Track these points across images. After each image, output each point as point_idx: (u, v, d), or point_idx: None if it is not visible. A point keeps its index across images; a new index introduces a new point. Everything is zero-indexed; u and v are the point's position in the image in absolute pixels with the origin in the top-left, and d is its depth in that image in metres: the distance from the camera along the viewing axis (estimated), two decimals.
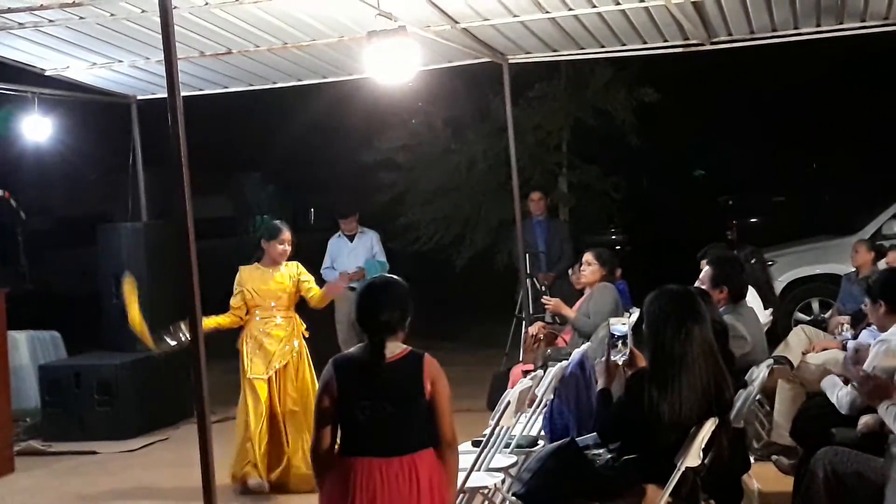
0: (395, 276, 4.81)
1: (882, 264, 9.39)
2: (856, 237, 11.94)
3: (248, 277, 8.28)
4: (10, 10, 8.11)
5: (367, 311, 4.57)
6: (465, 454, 6.20)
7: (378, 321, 4.52)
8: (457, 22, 9.12)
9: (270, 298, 8.27)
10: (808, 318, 12.23)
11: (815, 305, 12.64)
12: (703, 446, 4.84)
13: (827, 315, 11.33)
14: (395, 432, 4.44)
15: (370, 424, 4.42)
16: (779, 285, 12.39)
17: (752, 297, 7.86)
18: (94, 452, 9.83)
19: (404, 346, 4.60)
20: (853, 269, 10.39)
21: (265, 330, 8.26)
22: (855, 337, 8.24)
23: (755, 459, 6.27)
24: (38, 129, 10.76)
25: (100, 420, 10.27)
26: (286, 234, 8.33)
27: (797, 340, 8.81)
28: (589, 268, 8.41)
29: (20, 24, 8.50)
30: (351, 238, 11.73)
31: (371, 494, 4.38)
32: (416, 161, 16.84)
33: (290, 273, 8.33)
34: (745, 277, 7.44)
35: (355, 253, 11.63)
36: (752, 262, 9.35)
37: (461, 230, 16.72)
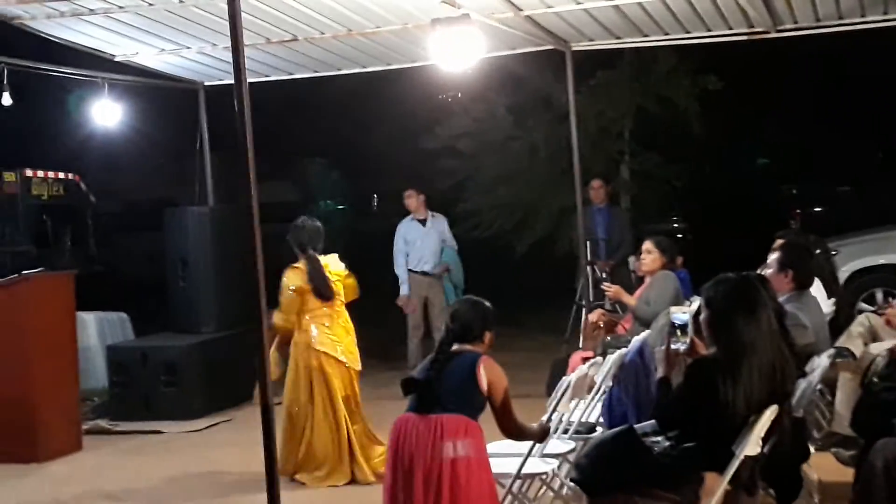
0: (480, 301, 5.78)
1: None
2: None
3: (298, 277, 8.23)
4: None
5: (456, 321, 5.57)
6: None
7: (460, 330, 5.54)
8: (520, 9, 9.14)
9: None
10: (871, 309, 12.08)
11: (879, 296, 12.50)
12: (762, 435, 4.85)
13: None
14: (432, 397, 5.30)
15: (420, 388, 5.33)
16: (842, 275, 12.26)
17: (816, 287, 7.80)
18: (158, 432, 10.02)
19: (471, 347, 5.59)
20: None
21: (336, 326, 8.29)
22: None
23: (815, 449, 6.24)
24: (107, 113, 10.96)
25: (165, 400, 10.46)
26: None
27: (860, 330, 8.73)
28: (649, 256, 8.39)
29: (91, 10, 8.68)
30: (423, 222, 11.81)
31: (402, 440, 5.26)
32: (478, 148, 16.88)
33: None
34: (812, 266, 7.38)
35: (430, 237, 11.75)
36: (817, 251, 9.28)
37: (522, 217, 16.75)
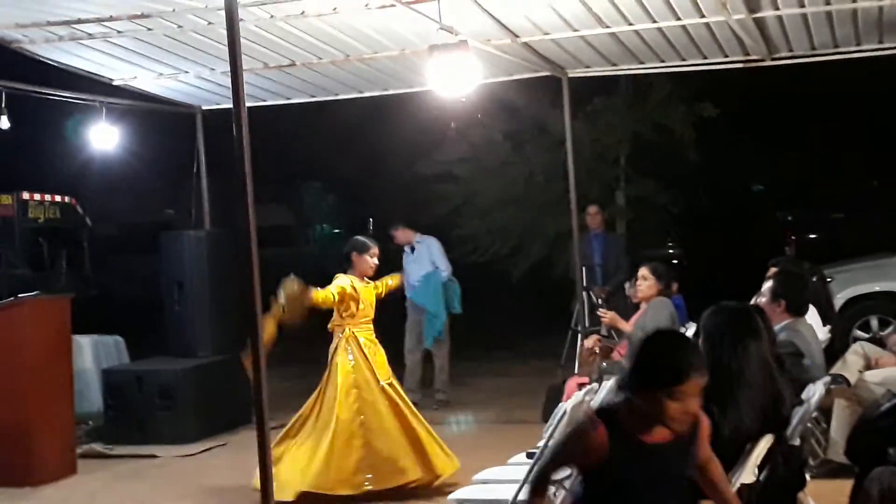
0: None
1: None
2: None
3: (358, 286, 8.28)
4: (80, 21, 8.34)
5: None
6: (519, 465, 6.26)
7: None
8: (517, 36, 9.19)
9: (371, 311, 8.38)
10: (866, 336, 12.11)
11: (874, 323, 12.51)
12: (758, 462, 4.85)
13: (886, 332, 11.22)
14: None
15: None
16: (837, 302, 12.28)
17: (811, 314, 7.81)
18: (153, 456, 9.99)
19: None
20: None
21: (373, 339, 8.34)
22: None
23: (811, 477, 6.24)
24: (105, 137, 10.99)
25: (160, 424, 10.42)
26: (376, 249, 8.42)
27: (855, 358, 8.75)
28: (645, 282, 8.41)
29: (90, 34, 8.72)
30: (412, 249, 11.85)
31: None
32: (475, 173, 16.94)
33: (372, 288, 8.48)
34: (806, 294, 7.39)
35: (418, 262, 11.80)
36: (812, 278, 9.30)
37: (518, 242, 16.81)
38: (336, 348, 8.24)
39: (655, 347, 4.14)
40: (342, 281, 8.22)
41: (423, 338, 11.73)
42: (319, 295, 7.99)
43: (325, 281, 8.31)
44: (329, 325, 8.35)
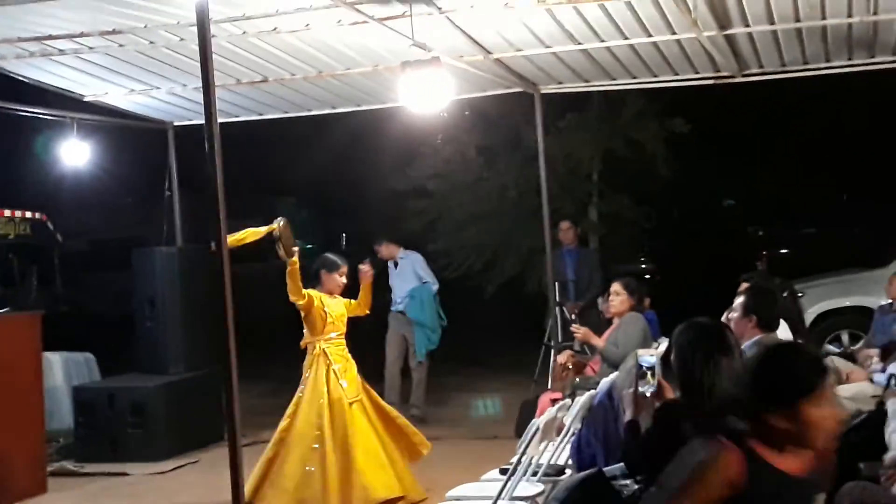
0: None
1: None
2: (887, 270, 11.91)
3: (327, 301, 8.30)
4: (51, 38, 8.29)
5: None
6: (492, 482, 6.26)
7: None
8: (490, 52, 9.22)
9: (342, 325, 8.37)
10: (837, 351, 12.18)
11: (845, 337, 12.59)
12: None
13: (856, 347, 11.29)
14: None
15: None
16: (808, 317, 12.36)
17: (782, 329, 7.84)
18: (125, 474, 9.92)
19: None
20: (886, 302, 10.35)
21: (344, 355, 8.33)
22: (884, 370, 8.23)
23: None
24: (76, 153, 10.93)
25: (132, 442, 10.37)
26: (345, 268, 8.45)
27: None
28: (617, 297, 8.43)
29: (61, 50, 8.68)
30: (396, 264, 11.90)
31: None
32: (448, 189, 16.94)
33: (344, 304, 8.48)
34: (777, 310, 7.43)
35: (402, 276, 11.89)
36: (783, 294, 9.34)
37: (491, 258, 16.80)
38: (308, 364, 8.23)
39: (784, 357, 3.69)
40: (312, 293, 8.26)
41: (404, 352, 11.79)
42: (297, 271, 8.05)
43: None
44: (301, 343, 8.34)
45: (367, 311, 8.61)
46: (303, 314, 8.20)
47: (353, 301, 8.51)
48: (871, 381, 8.25)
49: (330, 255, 8.61)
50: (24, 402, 9.22)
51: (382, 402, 8.52)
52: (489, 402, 11.45)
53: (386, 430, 8.30)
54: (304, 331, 8.29)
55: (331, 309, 8.27)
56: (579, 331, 8.79)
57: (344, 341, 8.38)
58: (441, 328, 11.83)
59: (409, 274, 11.86)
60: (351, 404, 8.12)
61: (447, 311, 11.98)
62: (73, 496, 9.31)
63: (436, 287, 11.90)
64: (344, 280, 8.42)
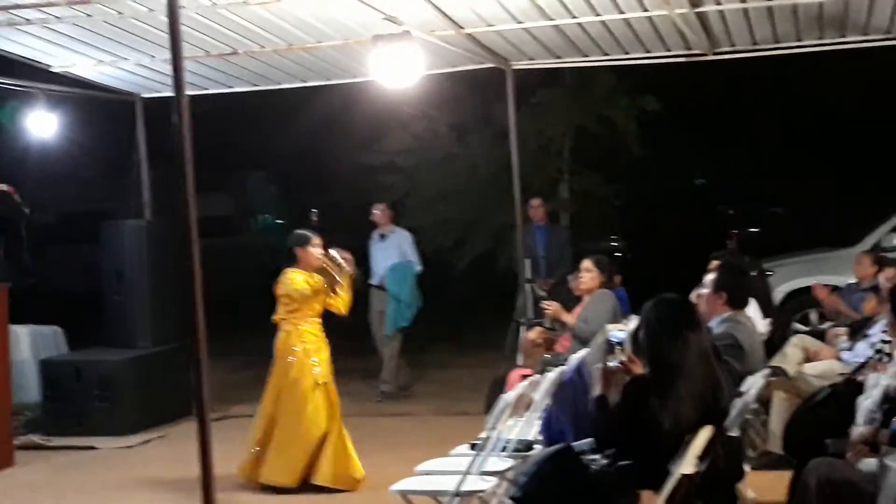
0: None
1: (881, 278, 9.41)
2: (855, 249, 11.99)
3: (306, 280, 8.22)
4: (18, 7, 8.19)
5: None
6: (462, 457, 6.26)
7: None
8: (461, 27, 9.18)
9: (320, 306, 8.31)
10: (806, 329, 12.25)
11: (814, 316, 12.66)
12: (698, 454, 4.89)
13: (825, 326, 11.36)
14: None
15: None
16: (777, 295, 12.43)
17: (752, 308, 7.89)
18: (92, 447, 9.88)
19: None
20: (853, 281, 10.41)
21: (320, 335, 8.30)
22: (851, 348, 8.30)
23: (750, 468, 6.31)
24: (43, 124, 10.85)
25: (99, 415, 10.32)
26: (317, 239, 8.37)
27: (794, 351, 8.86)
28: (588, 274, 8.45)
29: (28, 20, 8.57)
30: (383, 236, 11.87)
31: None
32: (419, 164, 16.91)
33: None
34: (747, 288, 7.46)
35: (385, 252, 11.84)
36: (752, 272, 9.39)
37: (462, 234, 16.80)
38: (280, 341, 8.21)
39: None
40: (297, 278, 8.17)
41: (382, 320, 11.76)
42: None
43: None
44: (274, 318, 8.30)
45: (346, 313, 8.46)
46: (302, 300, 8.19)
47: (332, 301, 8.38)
48: (840, 359, 8.31)
49: (299, 231, 8.53)
50: None
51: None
52: None
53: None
54: (279, 307, 8.25)
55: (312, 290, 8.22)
56: (550, 307, 8.80)
57: (319, 321, 8.34)
58: (417, 308, 11.80)
59: (394, 250, 11.81)
60: (318, 385, 8.13)
61: (419, 287, 11.96)
62: (41, 469, 9.26)
63: (419, 268, 11.86)
64: (320, 251, 8.32)
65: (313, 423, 8.08)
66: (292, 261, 8.29)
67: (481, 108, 16.28)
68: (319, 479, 8.07)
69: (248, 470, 8.25)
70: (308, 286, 8.15)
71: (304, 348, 8.16)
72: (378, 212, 12.03)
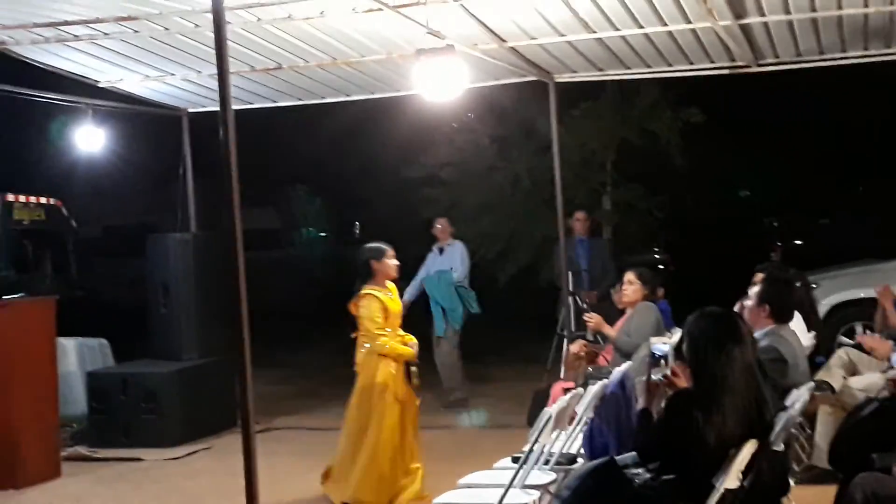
0: None
1: None
2: None
3: (385, 299, 8.09)
4: (66, 23, 8.32)
5: None
6: (505, 470, 6.26)
7: None
8: (504, 41, 9.20)
9: (397, 321, 8.22)
10: (850, 343, 12.12)
11: (859, 329, 12.52)
12: (742, 468, 4.86)
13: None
14: None
15: None
16: (822, 309, 12.31)
17: (796, 320, 7.83)
18: (138, 459, 9.96)
19: None
20: None
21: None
22: None
23: (795, 482, 6.26)
24: (91, 139, 10.98)
25: (145, 427, 10.40)
26: (391, 250, 8.23)
27: (839, 364, 8.77)
28: (630, 287, 8.41)
29: (76, 36, 8.70)
30: (441, 250, 12.02)
31: None
32: (462, 178, 16.93)
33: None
34: (791, 301, 7.40)
35: (443, 266, 12.00)
36: (797, 285, 9.31)
37: (504, 247, 16.79)
38: (362, 358, 8.12)
39: None
40: (372, 304, 8.01)
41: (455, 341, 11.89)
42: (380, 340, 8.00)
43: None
44: (354, 334, 8.18)
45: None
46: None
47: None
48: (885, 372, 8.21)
49: (371, 245, 8.30)
50: (39, 388, 9.26)
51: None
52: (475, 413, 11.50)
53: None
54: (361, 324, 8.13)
55: (390, 306, 8.09)
56: (592, 319, 8.78)
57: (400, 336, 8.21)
58: (463, 312, 11.87)
59: (450, 263, 12.00)
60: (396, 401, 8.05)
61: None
62: (87, 481, 9.34)
63: (457, 275, 11.92)
64: (395, 262, 8.21)
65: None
66: (368, 275, 8.10)
67: (524, 121, 16.28)
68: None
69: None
70: (380, 321, 7.97)
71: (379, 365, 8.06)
72: (440, 226, 12.24)
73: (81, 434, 10.72)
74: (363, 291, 8.02)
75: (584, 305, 11.32)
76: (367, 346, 8.06)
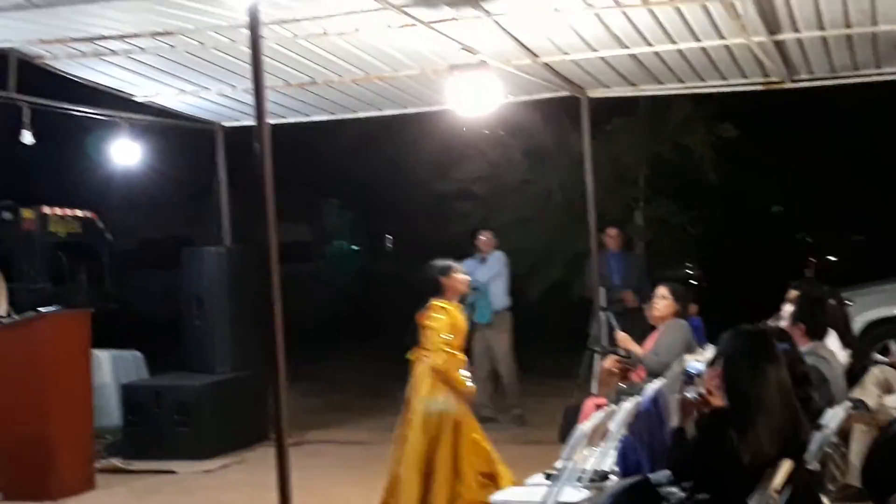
0: None
1: None
2: None
3: (455, 315, 7.97)
4: (103, 38, 8.40)
5: None
6: (537, 487, 6.26)
7: None
8: (537, 56, 9.21)
9: (462, 338, 8.10)
10: (885, 360, 12.01)
11: (894, 347, 12.43)
12: (778, 488, 4.83)
13: None
14: None
15: None
16: (857, 326, 12.21)
17: (831, 338, 7.79)
18: (172, 472, 10.01)
19: None
20: None
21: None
22: None
23: (830, 501, 6.22)
24: (126, 153, 11.07)
25: (179, 440, 10.46)
26: (458, 265, 8.18)
27: (874, 381, 8.70)
28: (662, 301, 8.35)
29: (113, 51, 8.79)
30: (483, 260, 12.07)
31: None
32: (494, 192, 16.95)
33: None
34: (825, 318, 7.36)
35: (486, 275, 12.02)
36: (831, 302, 9.25)
37: (536, 261, 16.76)
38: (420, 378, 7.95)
39: None
40: (442, 317, 7.85)
41: (491, 355, 12.04)
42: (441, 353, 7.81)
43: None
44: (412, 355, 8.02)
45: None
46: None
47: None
48: None
49: (437, 262, 8.16)
50: (74, 399, 9.33)
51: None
52: None
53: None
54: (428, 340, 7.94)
55: (458, 322, 8.00)
56: (619, 335, 8.73)
57: (464, 356, 8.05)
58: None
59: (500, 269, 12.16)
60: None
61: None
62: (121, 493, 9.40)
63: (477, 278, 11.82)
64: (463, 275, 8.16)
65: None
66: (437, 292, 7.95)
67: (556, 136, 16.28)
68: None
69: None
70: (447, 335, 7.81)
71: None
72: (484, 238, 12.32)
73: (115, 446, 10.78)
74: (434, 302, 7.89)
75: (613, 322, 11.28)
76: (427, 359, 7.86)
